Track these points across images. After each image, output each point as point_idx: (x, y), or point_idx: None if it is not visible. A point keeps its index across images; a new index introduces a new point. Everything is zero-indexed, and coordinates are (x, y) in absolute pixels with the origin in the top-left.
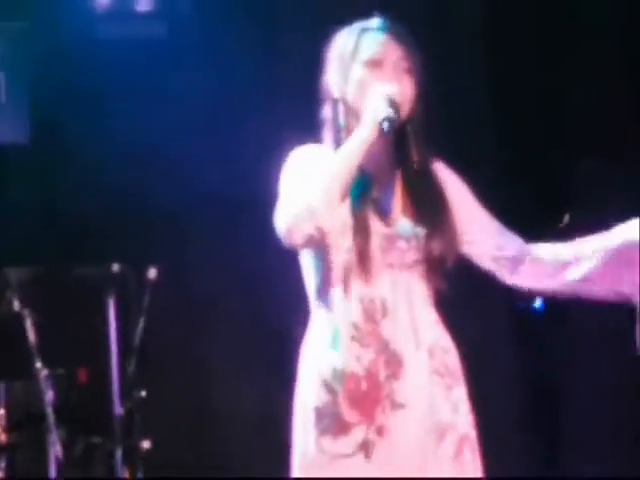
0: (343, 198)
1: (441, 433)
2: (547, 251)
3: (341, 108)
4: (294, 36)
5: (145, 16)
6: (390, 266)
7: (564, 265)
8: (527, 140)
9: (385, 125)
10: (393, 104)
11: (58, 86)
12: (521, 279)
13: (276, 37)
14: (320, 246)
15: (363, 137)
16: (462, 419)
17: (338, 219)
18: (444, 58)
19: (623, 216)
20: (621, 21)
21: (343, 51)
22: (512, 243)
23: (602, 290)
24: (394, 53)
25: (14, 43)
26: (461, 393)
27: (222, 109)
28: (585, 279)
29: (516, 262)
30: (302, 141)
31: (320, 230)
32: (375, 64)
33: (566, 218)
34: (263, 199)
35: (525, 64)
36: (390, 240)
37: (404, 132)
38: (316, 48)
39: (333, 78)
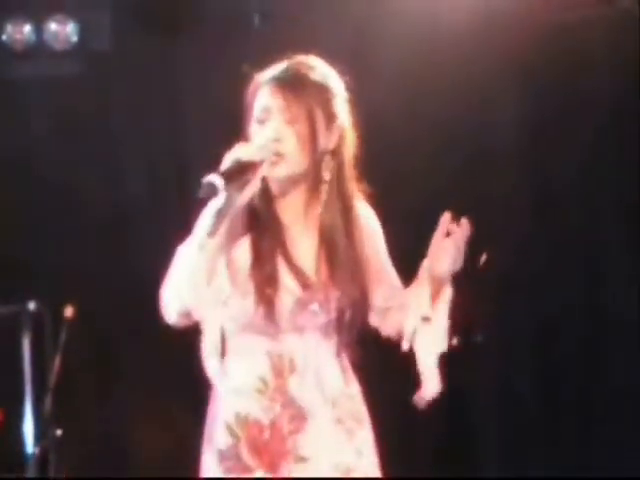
0: (206, 279)
1: (346, 474)
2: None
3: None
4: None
5: (62, 54)
6: (300, 328)
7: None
8: None
9: (203, 192)
10: (232, 163)
11: None
12: (385, 324)
13: (200, 72)
14: (193, 320)
15: (204, 228)
16: (366, 461)
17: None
18: None
19: None
20: None
21: (246, 113)
22: (392, 291)
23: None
24: (276, 105)
25: None
26: (365, 436)
27: (139, 146)
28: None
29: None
30: None
31: (185, 311)
32: (260, 121)
33: (482, 259)
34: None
35: None
36: (302, 303)
37: (318, 177)
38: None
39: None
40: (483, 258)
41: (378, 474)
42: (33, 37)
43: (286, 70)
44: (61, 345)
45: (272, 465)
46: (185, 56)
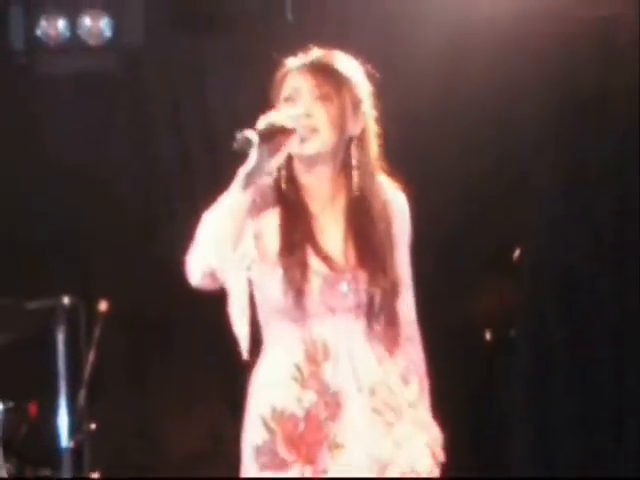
0: (231, 242)
1: (382, 469)
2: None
3: None
4: (246, 69)
5: (96, 50)
6: (331, 309)
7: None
8: None
9: (237, 144)
10: (267, 125)
11: (11, 119)
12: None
13: (232, 67)
14: (218, 285)
15: (233, 191)
16: (405, 455)
17: (252, 255)
18: None
19: None
20: None
21: (273, 97)
22: (407, 303)
23: None
24: (307, 85)
25: None
26: (406, 429)
27: (171, 140)
28: None
29: (389, 325)
30: None
31: (210, 271)
32: (288, 100)
33: (516, 253)
34: None
35: None
36: (331, 284)
37: (344, 161)
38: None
39: None
40: (517, 253)
41: (420, 467)
42: (67, 32)
43: (315, 57)
44: (95, 339)
45: (309, 456)
46: (217, 51)
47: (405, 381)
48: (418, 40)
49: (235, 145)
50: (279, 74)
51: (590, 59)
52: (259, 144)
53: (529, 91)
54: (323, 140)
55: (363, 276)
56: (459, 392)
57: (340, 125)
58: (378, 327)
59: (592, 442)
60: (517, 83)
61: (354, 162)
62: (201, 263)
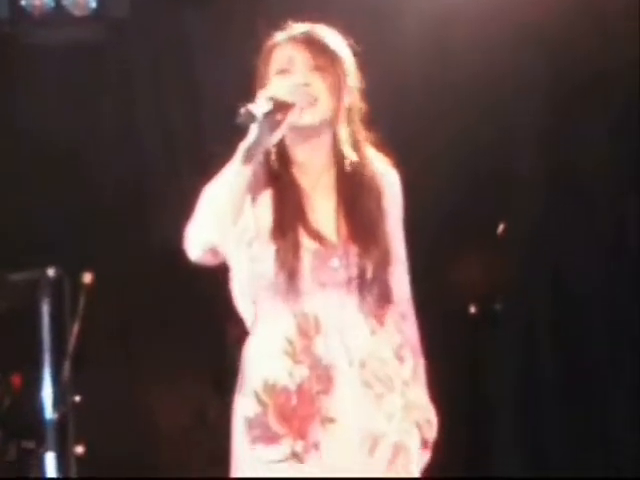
0: (232, 209)
1: (373, 443)
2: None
3: None
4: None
5: (81, 20)
6: (322, 285)
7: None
8: None
9: (241, 119)
10: (268, 100)
11: None
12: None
13: (217, 39)
14: (219, 261)
15: (234, 165)
16: (396, 427)
17: (249, 231)
18: None
19: None
20: None
21: (261, 69)
22: (401, 279)
23: None
24: (301, 56)
25: None
26: (396, 401)
27: (156, 111)
28: None
29: (390, 297)
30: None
31: (210, 246)
32: (282, 72)
33: (501, 228)
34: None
35: None
36: (322, 259)
37: (334, 133)
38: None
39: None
40: (502, 227)
41: (409, 440)
42: (52, 2)
43: (304, 30)
44: (80, 311)
45: (301, 430)
46: (202, 22)
47: (400, 359)
48: (407, 15)
49: (238, 119)
50: (267, 47)
51: (588, 35)
52: (261, 119)
53: (523, 67)
54: (322, 109)
55: (354, 249)
56: (444, 367)
57: (337, 95)
58: (370, 300)
59: (578, 417)
60: (511, 58)
61: (345, 136)
62: (201, 238)
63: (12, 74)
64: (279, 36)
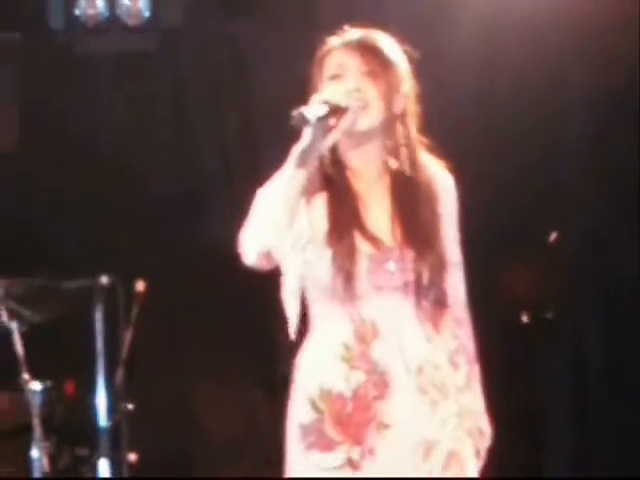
0: (286, 214)
1: (427, 450)
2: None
3: None
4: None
5: (134, 30)
6: (379, 288)
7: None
8: None
9: (294, 122)
10: (322, 104)
11: (48, 98)
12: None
13: (269, 47)
14: (273, 265)
15: (288, 169)
16: (450, 434)
17: (303, 236)
18: None
19: None
20: None
21: (315, 75)
22: (456, 285)
23: None
24: (353, 62)
25: (4, 54)
26: (450, 408)
27: (210, 121)
28: None
29: (445, 302)
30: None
31: (266, 251)
32: (334, 77)
33: (552, 236)
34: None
35: None
36: (378, 263)
37: (389, 140)
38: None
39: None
40: (554, 235)
41: (463, 447)
42: (106, 12)
43: (358, 35)
44: (133, 319)
45: (357, 436)
46: (256, 31)
47: (454, 365)
48: (459, 25)
49: (292, 122)
50: (321, 52)
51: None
52: (315, 123)
53: (573, 81)
54: (373, 115)
55: (410, 254)
56: (496, 376)
57: (389, 101)
58: (427, 305)
59: (630, 427)
60: (561, 72)
61: (398, 141)
62: (257, 243)
63: (67, 83)
64: (333, 41)
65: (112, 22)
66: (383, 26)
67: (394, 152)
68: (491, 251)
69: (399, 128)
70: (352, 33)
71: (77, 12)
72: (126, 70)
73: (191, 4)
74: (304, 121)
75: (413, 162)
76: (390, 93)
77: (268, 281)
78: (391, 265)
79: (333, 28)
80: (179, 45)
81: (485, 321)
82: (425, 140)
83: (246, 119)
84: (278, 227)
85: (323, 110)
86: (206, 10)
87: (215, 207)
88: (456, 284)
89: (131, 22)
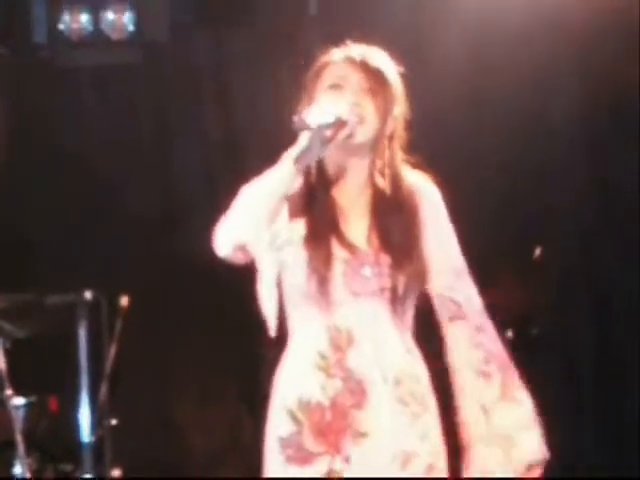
0: (269, 214)
1: (405, 460)
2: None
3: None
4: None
5: (118, 44)
6: (355, 294)
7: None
8: None
9: (295, 126)
10: (325, 113)
11: (33, 112)
12: (457, 333)
13: (250, 62)
14: (248, 259)
15: (294, 149)
16: (429, 448)
17: (282, 236)
18: None
19: None
20: None
21: (310, 84)
22: (466, 292)
23: None
24: (354, 76)
25: None
26: (430, 421)
27: (192, 135)
28: None
29: (460, 312)
30: None
31: (241, 243)
32: (335, 87)
33: (537, 252)
34: None
35: None
36: (354, 268)
37: (374, 155)
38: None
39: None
40: (538, 251)
41: (440, 461)
42: (90, 26)
43: (360, 51)
44: (117, 334)
45: (336, 445)
46: (240, 46)
47: (486, 376)
48: (446, 29)
49: (293, 126)
50: (320, 63)
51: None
52: (315, 129)
53: (562, 79)
54: (368, 131)
55: (386, 259)
56: None
57: (383, 120)
58: (405, 315)
59: (615, 440)
60: (551, 70)
61: (384, 159)
62: (234, 235)
63: (50, 97)
64: (335, 54)
65: (96, 36)
66: (368, 40)
67: (379, 169)
68: (476, 266)
69: (386, 148)
70: (355, 49)
71: (61, 26)
72: (110, 83)
73: (175, 19)
74: (305, 126)
75: (395, 178)
76: (385, 113)
77: (251, 296)
78: (367, 270)
79: (320, 40)
80: (163, 59)
81: None
82: (411, 159)
83: (229, 133)
84: (258, 223)
85: (326, 118)
86: (189, 25)
87: (198, 222)
88: (467, 291)
89: (115, 36)
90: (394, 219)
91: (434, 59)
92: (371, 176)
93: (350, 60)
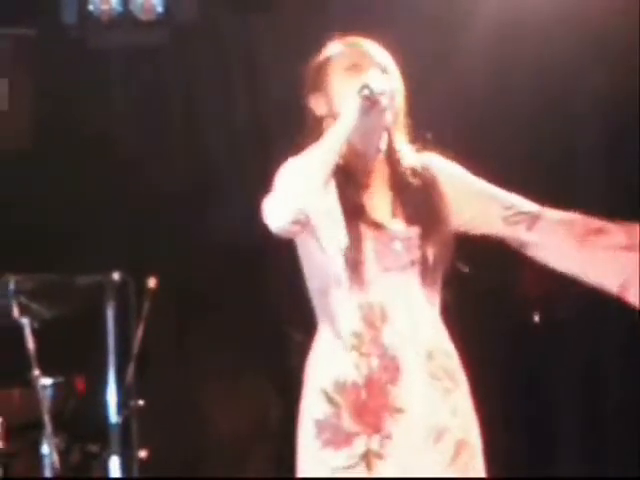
0: (324, 181)
1: (438, 435)
2: (573, 216)
3: (326, 123)
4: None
5: (147, 25)
6: (386, 269)
7: (597, 230)
8: None
9: (365, 92)
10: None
11: (62, 93)
12: (540, 235)
13: (279, 43)
14: (303, 231)
15: (344, 119)
16: (460, 423)
17: (324, 213)
18: None
19: None
20: None
21: (322, 68)
22: (521, 201)
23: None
24: (369, 58)
25: (18, 50)
26: (461, 397)
27: (221, 116)
28: (613, 248)
29: (533, 217)
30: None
31: (301, 212)
32: (354, 67)
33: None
34: None
35: None
36: (384, 244)
37: (389, 131)
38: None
39: (315, 96)
40: None
41: (472, 436)
42: (119, 7)
43: (354, 39)
44: (144, 315)
45: (375, 424)
46: (268, 28)
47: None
48: (470, 31)
49: (360, 93)
50: (326, 52)
51: None
52: (373, 97)
53: (586, 88)
54: (391, 114)
55: (415, 231)
56: (507, 373)
57: (401, 97)
58: (432, 286)
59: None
60: (574, 80)
61: (397, 137)
62: (292, 204)
63: (80, 78)
64: (340, 43)
65: (125, 17)
66: (391, 32)
67: (394, 147)
68: (502, 251)
69: (401, 125)
70: (356, 39)
71: (91, 7)
72: (139, 65)
73: (204, 0)
74: (371, 93)
75: (408, 154)
76: (401, 92)
77: (279, 277)
78: (397, 244)
79: (345, 24)
80: (192, 40)
81: (497, 321)
82: (422, 139)
83: (258, 114)
84: (316, 190)
85: (382, 86)
86: (219, 5)
87: (227, 203)
88: (523, 201)
89: (144, 17)
90: (415, 191)
91: (455, 54)
92: (389, 152)
93: (361, 45)
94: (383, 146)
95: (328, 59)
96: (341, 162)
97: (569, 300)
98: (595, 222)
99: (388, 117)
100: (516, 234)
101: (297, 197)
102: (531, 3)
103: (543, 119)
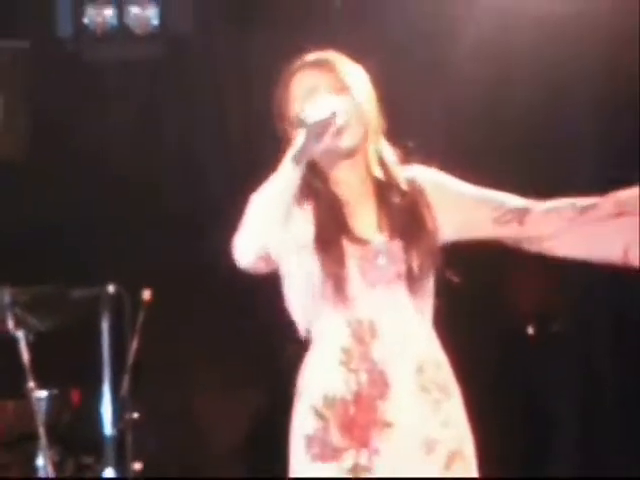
0: (283, 216)
1: (429, 447)
2: (560, 201)
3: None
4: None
5: (143, 38)
6: (372, 285)
7: (585, 207)
8: None
9: (307, 121)
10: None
11: (57, 106)
12: (532, 228)
13: (273, 56)
14: (270, 268)
15: (292, 150)
16: (453, 433)
17: (295, 241)
18: None
19: None
20: None
21: (282, 95)
22: (509, 199)
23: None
24: (322, 78)
25: (13, 63)
26: (453, 408)
27: (217, 129)
28: (605, 219)
29: (522, 212)
30: None
31: (264, 251)
32: (311, 91)
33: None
34: None
35: None
36: (368, 259)
37: (365, 152)
38: None
39: (281, 121)
40: None
41: (465, 447)
42: (114, 20)
43: (319, 55)
44: (139, 327)
45: (362, 439)
46: (264, 41)
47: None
48: (463, 38)
49: (294, 124)
50: (288, 72)
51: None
52: (310, 126)
53: (581, 92)
54: (354, 133)
55: (399, 244)
56: (501, 385)
57: (362, 115)
58: (423, 297)
59: (637, 436)
60: (568, 87)
61: (374, 154)
62: (255, 243)
63: (75, 91)
64: (300, 61)
65: (120, 30)
66: (384, 42)
67: (372, 163)
68: (498, 262)
69: (373, 142)
70: (312, 55)
71: (86, 20)
72: (134, 78)
73: (199, 13)
74: (301, 123)
75: (391, 166)
76: (360, 111)
77: (272, 291)
78: (381, 259)
79: (339, 36)
80: (187, 53)
81: (491, 332)
82: (397, 150)
83: (252, 128)
84: (276, 227)
85: (320, 115)
86: (214, 19)
87: (221, 216)
88: (510, 198)
89: (139, 30)
90: (399, 204)
91: (449, 61)
92: (368, 168)
93: (314, 63)
94: (356, 164)
95: (287, 85)
96: (318, 184)
97: (563, 312)
98: (581, 200)
99: (351, 135)
100: (509, 232)
101: (256, 235)
102: (527, 8)
103: (540, 125)
